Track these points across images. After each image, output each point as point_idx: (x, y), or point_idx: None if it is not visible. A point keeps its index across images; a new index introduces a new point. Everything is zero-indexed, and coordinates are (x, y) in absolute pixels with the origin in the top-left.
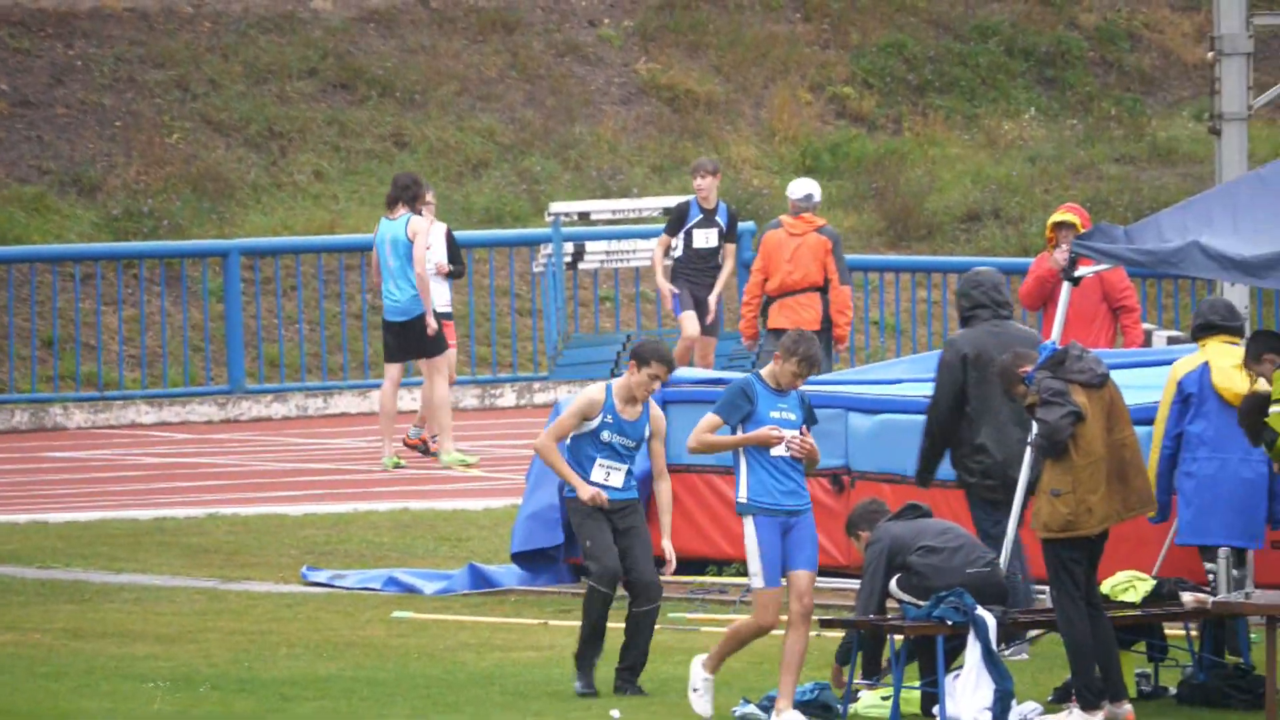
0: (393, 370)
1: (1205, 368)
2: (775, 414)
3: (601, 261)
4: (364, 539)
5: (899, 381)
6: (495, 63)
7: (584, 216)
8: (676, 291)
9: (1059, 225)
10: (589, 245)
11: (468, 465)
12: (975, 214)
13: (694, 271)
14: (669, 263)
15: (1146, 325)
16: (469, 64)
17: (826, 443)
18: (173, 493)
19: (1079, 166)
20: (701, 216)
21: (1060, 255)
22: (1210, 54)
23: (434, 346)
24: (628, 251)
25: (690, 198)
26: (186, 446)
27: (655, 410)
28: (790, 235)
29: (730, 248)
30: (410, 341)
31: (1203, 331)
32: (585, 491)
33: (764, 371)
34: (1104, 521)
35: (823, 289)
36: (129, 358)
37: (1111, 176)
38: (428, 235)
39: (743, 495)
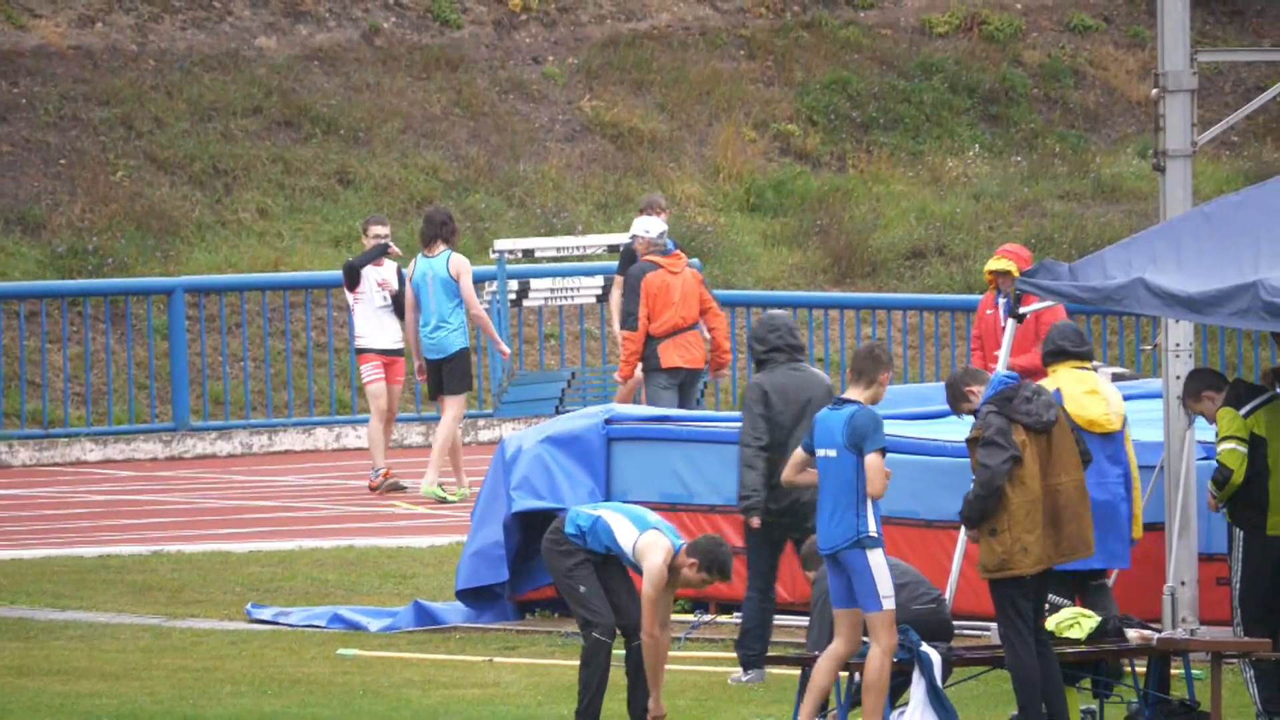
0: (447, 403)
1: (1057, 395)
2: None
3: (546, 299)
4: (309, 576)
5: None
6: (439, 100)
7: (528, 254)
8: None
9: (996, 272)
10: (533, 282)
11: (442, 501)
12: (920, 251)
13: None
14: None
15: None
16: (413, 101)
17: None
18: (118, 530)
19: (1023, 203)
20: None
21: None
22: (1154, 91)
23: (458, 384)
24: (572, 289)
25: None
26: (131, 484)
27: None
28: (671, 274)
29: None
30: (441, 378)
31: (1053, 358)
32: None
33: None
34: (1039, 562)
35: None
36: (74, 395)
37: (1056, 213)
38: (471, 272)
39: (873, 529)
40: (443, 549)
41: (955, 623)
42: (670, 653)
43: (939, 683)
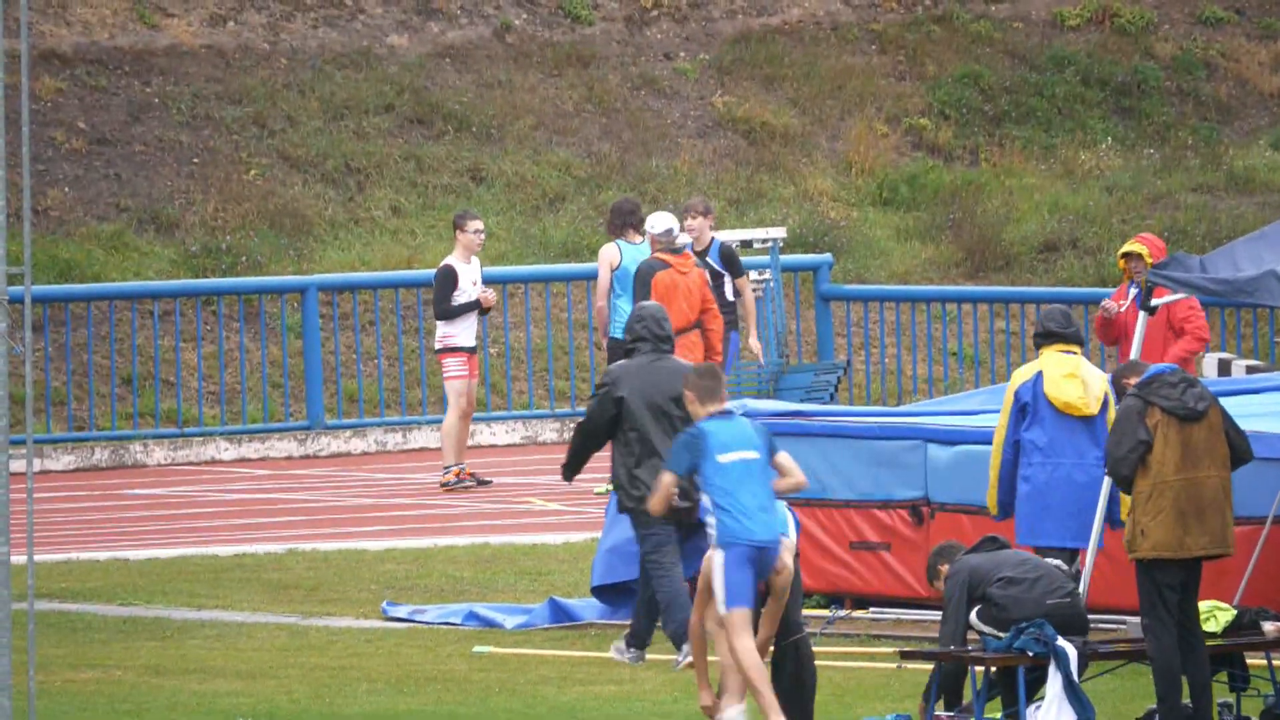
0: None
1: (1039, 377)
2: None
3: None
4: (444, 574)
5: (977, 413)
6: (571, 96)
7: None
8: None
9: (1128, 255)
10: None
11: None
12: (1053, 244)
13: None
14: None
15: (1225, 354)
16: (545, 98)
17: (905, 474)
18: (253, 529)
19: (1156, 196)
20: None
21: (1110, 304)
22: None
23: None
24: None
25: (688, 240)
26: (266, 482)
27: (781, 558)
28: (680, 274)
29: (742, 281)
30: None
31: (1041, 339)
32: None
33: None
34: (1157, 549)
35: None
36: (208, 394)
37: (1189, 206)
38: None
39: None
40: (577, 545)
41: (1091, 616)
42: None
43: (1075, 677)
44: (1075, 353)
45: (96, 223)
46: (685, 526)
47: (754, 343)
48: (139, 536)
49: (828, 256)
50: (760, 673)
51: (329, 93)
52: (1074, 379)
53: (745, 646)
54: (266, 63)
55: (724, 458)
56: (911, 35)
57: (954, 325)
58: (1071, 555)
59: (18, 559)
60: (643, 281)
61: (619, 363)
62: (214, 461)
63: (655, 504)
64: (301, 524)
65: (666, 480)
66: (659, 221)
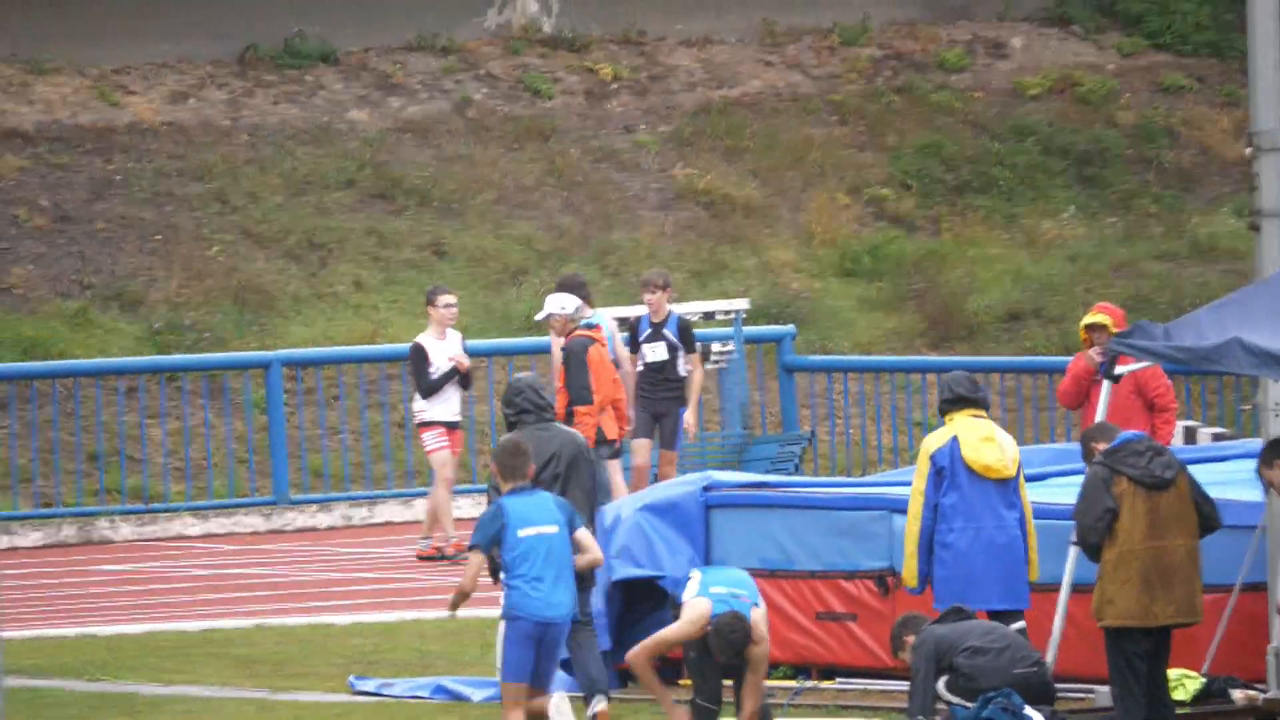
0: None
1: (955, 441)
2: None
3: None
4: (411, 647)
5: None
6: (532, 170)
7: (622, 322)
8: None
9: (1091, 327)
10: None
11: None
12: (1016, 314)
13: (648, 386)
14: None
15: (1190, 422)
16: (506, 172)
17: (871, 544)
18: (220, 604)
19: (1120, 264)
20: (650, 331)
21: (1095, 354)
22: (1248, 150)
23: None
24: None
25: (644, 313)
26: (233, 557)
27: (758, 630)
28: (602, 347)
29: (694, 357)
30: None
31: (950, 405)
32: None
33: None
34: (1123, 617)
35: None
36: (174, 470)
37: (1152, 274)
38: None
39: None
40: None
41: (1058, 685)
42: None
43: None
44: (983, 417)
45: (61, 300)
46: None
47: (690, 418)
48: (107, 612)
49: (791, 328)
50: None
51: (290, 168)
52: (991, 442)
53: (516, 718)
54: (228, 139)
55: (523, 532)
56: (872, 106)
57: (918, 395)
58: (1009, 617)
59: None
60: (579, 359)
61: (506, 437)
62: (181, 537)
63: (464, 583)
64: (268, 599)
65: (474, 560)
66: (568, 303)
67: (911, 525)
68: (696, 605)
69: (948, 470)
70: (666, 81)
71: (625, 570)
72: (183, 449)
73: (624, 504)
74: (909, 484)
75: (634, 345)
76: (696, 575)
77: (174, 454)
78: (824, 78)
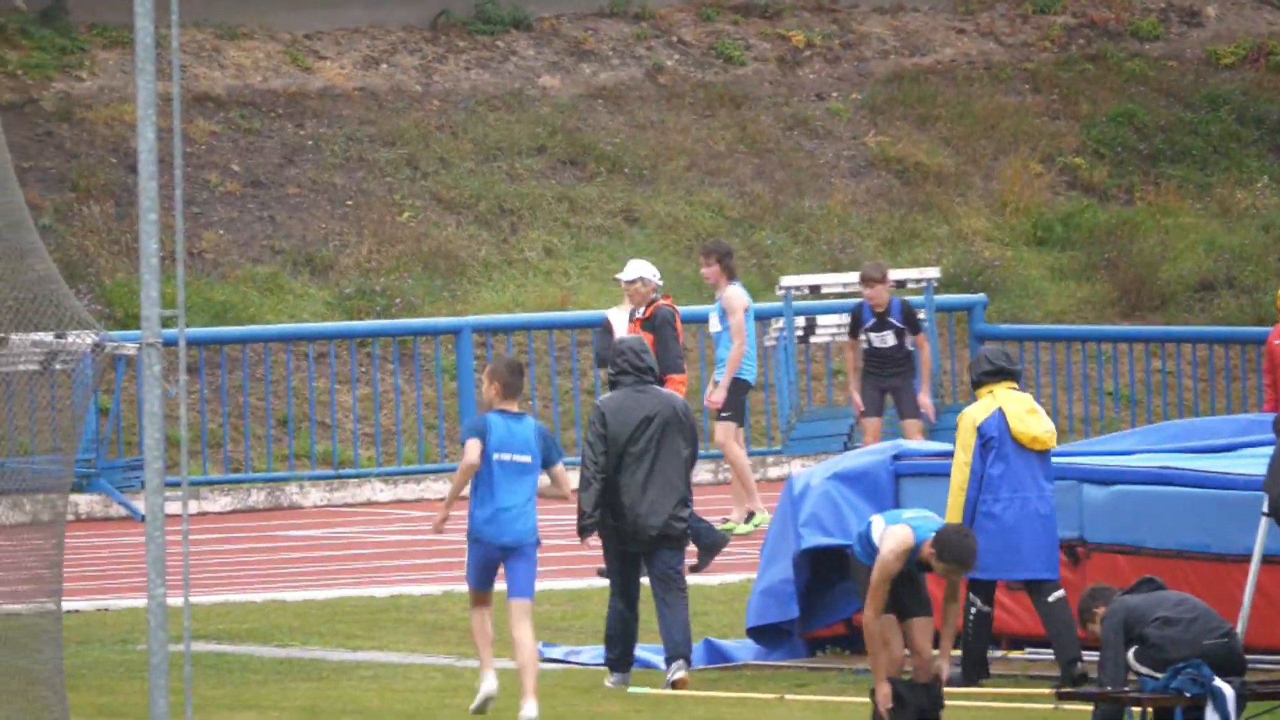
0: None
1: (1000, 413)
2: None
3: (833, 335)
4: (600, 614)
5: (1132, 452)
6: (724, 137)
7: (815, 290)
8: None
9: None
10: (820, 319)
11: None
12: (1209, 283)
13: (877, 366)
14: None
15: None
16: (697, 139)
17: (1061, 514)
18: (409, 570)
19: None
20: (874, 321)
21: None
22: None
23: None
24: None
25: (862, 301)
26: (422, 524)
27: None
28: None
29: (919, 337)
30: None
31: (988, 378)
32: (883, 689)
33: None
34: None
35: None
36: (364, 436)
37: None
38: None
39: None
40: (733, 586)
41: (1248, 657)
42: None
43: (1233, 718)
44: (1018, 389)
45: (251, 265)
46: (836, 570)
47: (925, 399)
48: (295, 578)
49: (982, 296)
50: (483, 639)
51: (482, 134)
52: (1035, 414)
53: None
54: (419, 104)
55: (498, 456)
56: (1065, 74)
57: (1109, 365)
58: (1048, 586)
59: (174, 601)
60: (671, 327)
61: (604, 396)
62: (370, 503)
63: (472, 457)
64: (457, 565)
65: (476, 444)
66: (651, 271)
67: (957, 496)
68: (895, 532)
69: (995, 441)
70: (859, 49)
71: (814, 539)
72: (372, 415)
73: (814, 472)
74: (1100, 453)
75: (854, 331)
76: (877, 518)
77: (364, 420)
78: (1017, 45)
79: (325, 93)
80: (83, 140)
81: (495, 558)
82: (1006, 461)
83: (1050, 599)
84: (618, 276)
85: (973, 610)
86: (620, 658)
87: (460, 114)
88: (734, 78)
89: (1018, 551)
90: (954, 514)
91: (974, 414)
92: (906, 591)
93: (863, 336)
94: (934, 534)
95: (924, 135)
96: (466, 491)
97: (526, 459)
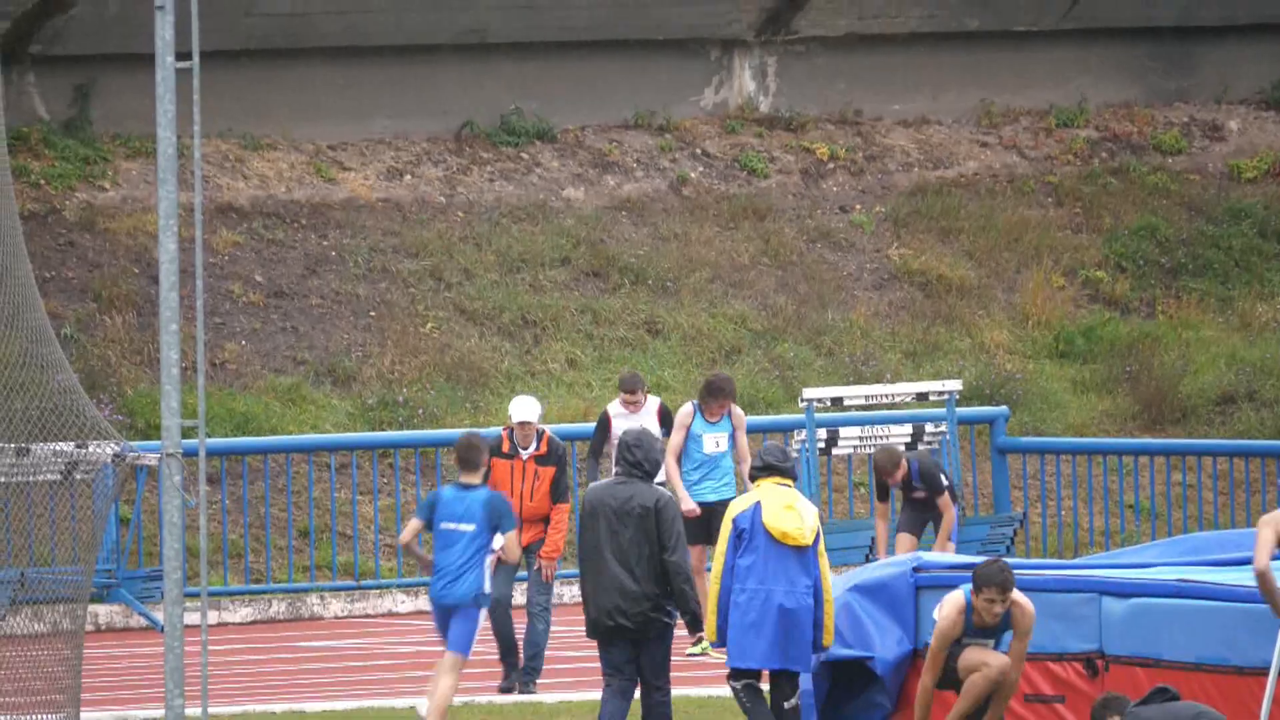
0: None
1: (757, 507)
2: None
3: (855, 447)
4: None
5: (1153, 565)
6: (747, 249)
7: (837, 402)
8: None
9: None
10: (842, 431)
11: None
12: (1230, 397)
13: (916, 509)
14: None
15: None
16: (721, 250)
17: (1080, 626)
18: (428, 681)
19: None
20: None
21: None
22: None
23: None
24: (881, 436)
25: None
26: None
27: (1020, 609)
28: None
29: (942, 501)
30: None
31: (759, 472)
32: None
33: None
34: None
35: None
36: (385, 547)
37: None
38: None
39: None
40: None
41: None
42: None
43: None
44: (789, 485)
45: (274, 375)
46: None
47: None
48: (315, 689)
49: (1004, 409)
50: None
51: (505, 245)
52: (791, 510)
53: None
54: (443, 216)
55: (444, 525)
56: (1088, 188)
57: (1130, 478)
58: (788, 678)
59: (193, 711)
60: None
61: (594, 484)
62: (391, 614)
63: (404, 537)
64: (478, 675)
65: (414, 524)
66: (537, 410)
67: (713, 585)
68: (948, 598)
69: (747, 533)
70: (882, 161)
71: (835, 650)
72: (394, 525)
73: (834, 584)
74: (1120, 566)
75: (883, 495)
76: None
77: (385, 530)
78: (1040, 159)
79: (349, 203)
80: (105, 250)
81: (444, 615)
82: (757, 554)
83: (786, 705)
84: (517, 419)
85: (737, 686)
86: None
87: (484, 225)
88: (757, 190)
89: (755, 642)
90: (710, 602)
91: (734, 507)
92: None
93: (895, 495)
94: (982, 564)
95: (946, 248)
96: None
97: (469, 527)
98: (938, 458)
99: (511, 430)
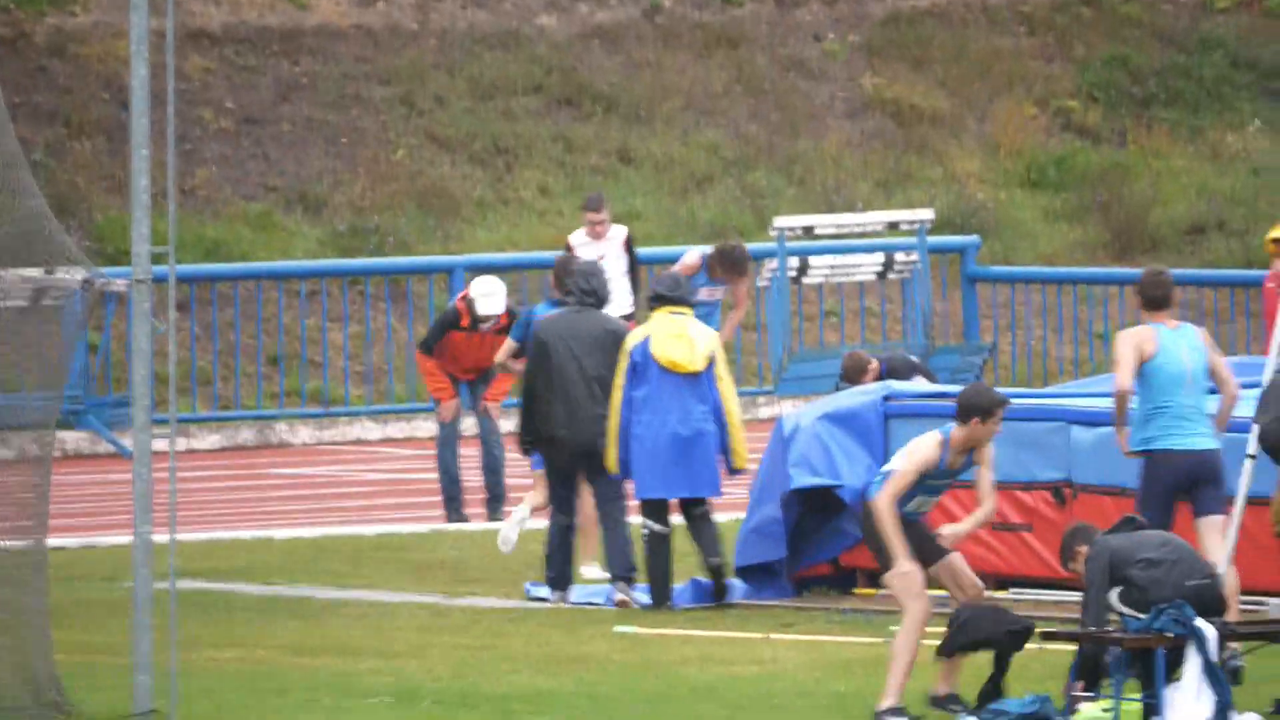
0: None
1: (648, 339)
2: None
3: (825, 276)
4: (590, 555)
5: None
6: (720, 78)
7: (808, 231)
8: None
9: (1277, 240)
10: (813, 260)
11: None
12: (1199, 226)
13: None
14: None
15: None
16: (694, 79)
17: (1048, 455)
18: (397, 509)
19: None
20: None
21: None
22: None
23: None
24: (852, 266)
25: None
26: (411, 462)
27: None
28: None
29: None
30: None
31: (652, 302)
32: (905, 564)
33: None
34: None
35: None
36: (354, 374)
37: None
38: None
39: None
40: (721, 526)
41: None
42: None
43: (1214, 658)
44: (684, 314)
45: (244, 202)
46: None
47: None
48: (283, 516)
49: (975, 238)
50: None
51: (477, 73)
52: (681, 338)
53: None
54: (415, 43)
55: None
56: (1061, 17)
57: (1100, 307)
58: (696, 504)
59: (160, 538)
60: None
61: (545, 314)
62: (359, 441)
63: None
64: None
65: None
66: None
67: (613, 418)
68: (927, 435)
69: (640, 365)
70: None
71: (803, 479)
72: (363, 353)
73: (804, 413)
74: (1089, 395)
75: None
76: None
77: (354, 358)
78: None
79: (321, 29)
80: (75, 76)
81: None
82: (650, 385)
83: (695, 511)
84: (485, 313)
85: (645, 531)
86: (559, 576)
87: (456, 52)
88: (731, 18)
89: (659, 472)
90: (611, 435)
91: (629, 340)
92: (922, 539)
93: None
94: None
95: (919, 77)
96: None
97: None
98: (907, 288)
99: (470, 302)
